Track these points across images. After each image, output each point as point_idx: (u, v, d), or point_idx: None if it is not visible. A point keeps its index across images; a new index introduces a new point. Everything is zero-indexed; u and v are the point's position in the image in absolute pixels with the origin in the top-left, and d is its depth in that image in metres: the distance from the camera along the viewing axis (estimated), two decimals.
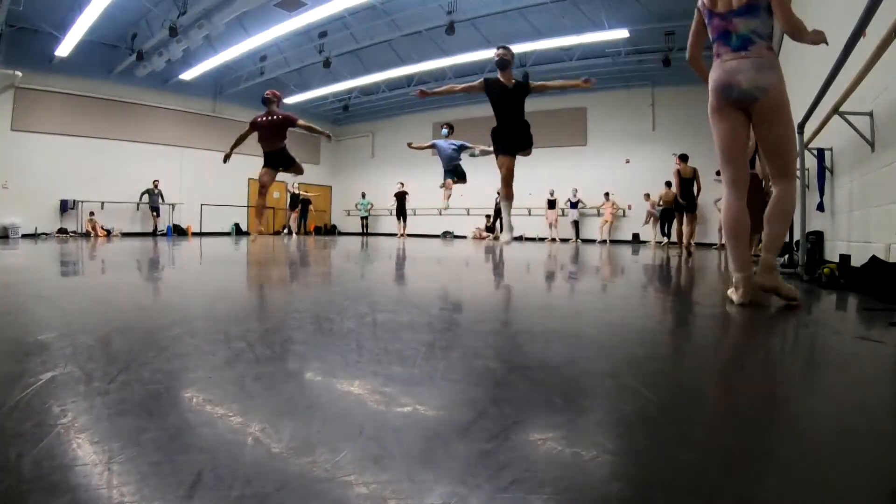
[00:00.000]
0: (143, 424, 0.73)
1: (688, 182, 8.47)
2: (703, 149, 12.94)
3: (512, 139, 4.34)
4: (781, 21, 2.02)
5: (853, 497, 0.58)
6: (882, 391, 1.02)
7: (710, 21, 2.18)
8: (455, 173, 6.83)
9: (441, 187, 7.18)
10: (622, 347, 1.21)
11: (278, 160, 5.61)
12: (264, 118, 5.49)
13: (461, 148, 6.74)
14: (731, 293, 2.15)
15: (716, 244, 11.71)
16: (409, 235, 15.14)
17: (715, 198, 12.02)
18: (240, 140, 5.61)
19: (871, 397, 0.97)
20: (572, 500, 0.56)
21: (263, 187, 5.60)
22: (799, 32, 2.02)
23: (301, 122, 5.58)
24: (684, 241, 8.71)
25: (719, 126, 2.19)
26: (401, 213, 14.97)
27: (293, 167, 5.74)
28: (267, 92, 5.53)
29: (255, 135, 5.56)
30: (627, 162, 13.93)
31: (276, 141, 5.52)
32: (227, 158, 5.86)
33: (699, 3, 2.24)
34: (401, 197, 15.01)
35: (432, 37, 12.00)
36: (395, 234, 15.87)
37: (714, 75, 2.17)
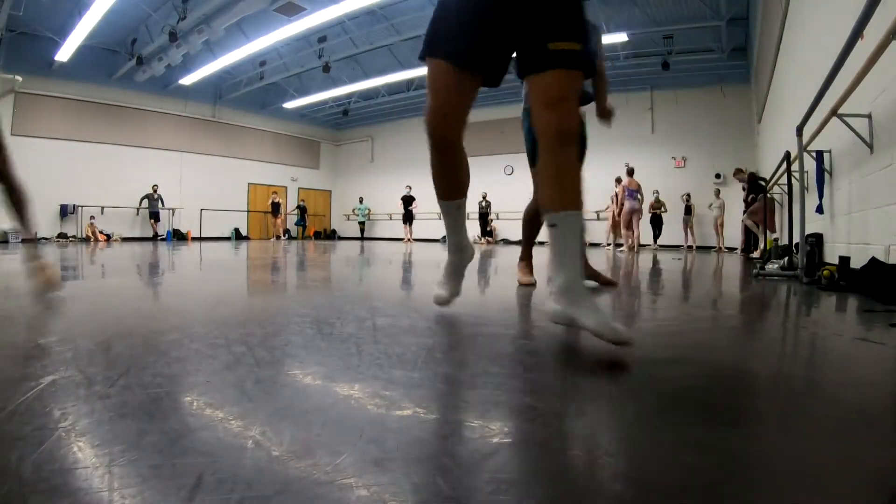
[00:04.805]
0: (143, 428, 0.73)
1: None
2: (703, 151, 13.01)
3: None
4: None
5: (853, 498, 0.58)
6: (882, 392, 1.02)
7: None
8: None
9: None
10: (621, 350, 1.21)
11: None
12: None
13: None
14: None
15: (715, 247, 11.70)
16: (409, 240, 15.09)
17: (708, 202, 12.02)
18: None
19: (871, 398, 0.97)
20: (573, 502, 0.56)
21: None
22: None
23: None
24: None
25: None
26: (407, 217, 14.73)
27: None
28: None
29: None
30: (627, 165, 13.94)
31: None
32: None
33: None
34: (408, 201, 14.83)
35: None
36: (396, 239, 15.79)
37: None
